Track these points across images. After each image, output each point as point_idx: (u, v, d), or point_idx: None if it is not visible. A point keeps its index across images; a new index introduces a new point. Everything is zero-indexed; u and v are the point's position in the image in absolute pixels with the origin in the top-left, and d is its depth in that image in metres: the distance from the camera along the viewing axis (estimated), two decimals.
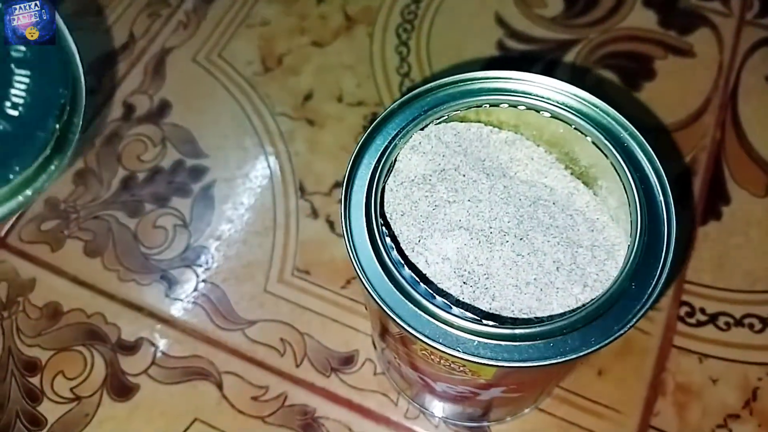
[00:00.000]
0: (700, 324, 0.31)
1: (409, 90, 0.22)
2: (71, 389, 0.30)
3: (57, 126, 0.18)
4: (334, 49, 0.39)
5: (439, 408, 0.28)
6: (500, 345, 0.18)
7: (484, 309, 0.20)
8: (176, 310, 0.32)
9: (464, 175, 0.23)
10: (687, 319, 0.31)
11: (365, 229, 0.19)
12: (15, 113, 0.17)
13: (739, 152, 0.35)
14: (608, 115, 0.21)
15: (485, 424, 0.29)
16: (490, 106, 0.22)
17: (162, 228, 0.34)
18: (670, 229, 0.19)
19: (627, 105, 0.36)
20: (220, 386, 0.30)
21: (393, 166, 0.22)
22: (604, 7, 0.40)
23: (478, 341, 0.18)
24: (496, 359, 0.17)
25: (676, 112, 0.36)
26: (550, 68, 0.37)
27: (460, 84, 0.22)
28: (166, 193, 0.35)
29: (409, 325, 0.18)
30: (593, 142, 0.21)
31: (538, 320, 0.19)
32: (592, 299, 0.19)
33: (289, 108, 0.37)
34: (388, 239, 0.20)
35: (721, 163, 0.34)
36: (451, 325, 0.18)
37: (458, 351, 0.17)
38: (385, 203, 0.22)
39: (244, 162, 0.36)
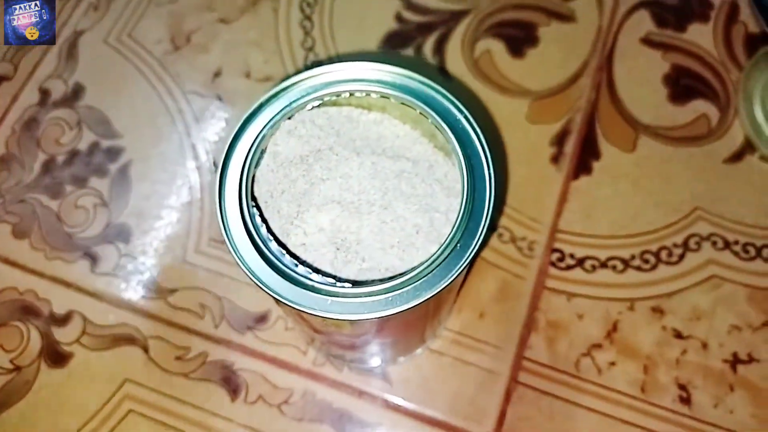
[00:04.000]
0: (569, 267, 0.35)
1: (280, 82, 0.25)
2: (11, 360, 0.33)
3: None
4: (241, 25, 0.41)
5: (341, 354, 0.32)
6: (350, 302, 0.21)
7: (355, 270, 0.24)
8: (101, 284, 0.35)
9: (337, 155, 0.26)
10: (558, 264, 0.35)
11: (238, 210, 0.23)
12: None
13: (612, 111, 0.39)
14: (447, 98, 0.24)
15: (382, 365, 0.33)
16: (350, 95, 0.25)
17: (83, 208, 0.36)
18: (490, 198, 0.22)
19: (511, 72, 0.39)
20: (146, 349, 0.34)
21: (264, 153, 0.24)
22: None
23: (332, 300, 0.21)
24: (344, 313, 0.21)
25: (557, 76, 0.39)
26: (443, 38, 0.40)
27: (321, 75, 0.25)
28: (85, 174, 0.37)
29: (276, 293, 0.21)
30: (433, 124, 0.24)
31: (389, 279, 0.23)
32: (422, 261, 0.22)
33: (199, 86, 0.40)
34: (258, 218, 0.23)
35: (594, 123, 0.38)
36: (311, 289, 0.21)
37: (314, 309, 0.21)
38: (266, 183, 0.25)
39: (158, 141, 0.38)
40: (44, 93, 0.39)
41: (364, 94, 0.25)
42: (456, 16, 0.41)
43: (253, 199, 0.24)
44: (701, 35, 0.40)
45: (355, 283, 0.23)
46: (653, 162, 0.37)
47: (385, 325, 0.24)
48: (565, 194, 0.37)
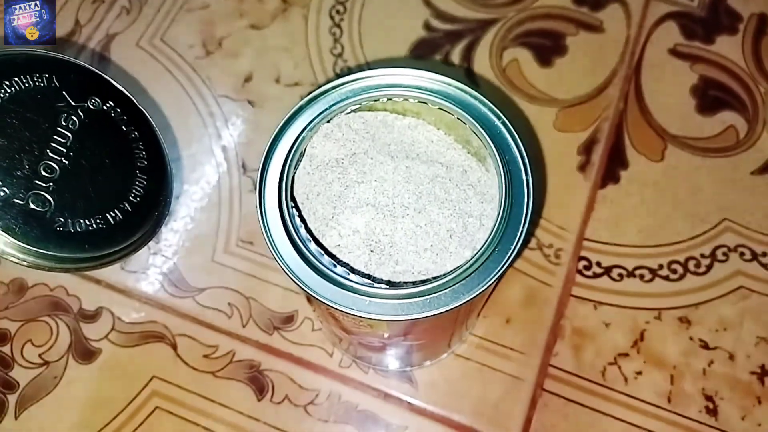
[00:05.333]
0: (596, 276, 0.35)
1: (319, 86, 0.25)
2: (39, 355, 0.34)
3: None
4: (272, 31, 0.42)
5: (367, 357, 0.33)
6: (387, 303, 0.21)
7: (389, 272, 0.24)
8: (131, 282, 0.35)
9: (372, 158, 0.26)
10: (585, 272, 0.35)
11: (278, 210, 0.23)
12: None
13: (640, 121, 0.39)
14: (484, 104, 0.24)
15: (408, 369, 0.33)
16: (387, 100, 0.25)
17: None
18: (528, 205, 0.23)
19: (539, 81, 0.39)
20: (174, 347, 0.34)
21: (303, 155, 0.25)
22: None
23: (370, 300, 0.21)
24: (381, 314, 0.21)
25: (584, 85, 0.40)
26: (471, 46, 0.41)
27: (359, 80, 0.25)
28: None
29: (315, 292, 0.22)
30: (470, 129, 0.24)
31: (424, 282, 0.23)
32: (460, 264, 0.22)
33: (230, 90, 0.40)
34: (297, 219, 0.23)
35: (622, 132, 0.38)
36: (349, 289, 0.22)
37: (353, 309, 0.21)
38: (302, 185, 0.25)
39: (188, 143, 0.39)
40: None
41: (401, 99, 0.25)
42: (484, 25, 0.41)
43: (293, 199, 0.24)
44: (730, 47, 0.40)
45: (391, 285, 0.23)
46: (681, 172, 0.37)
47: (417, 328, 0.24)
48: (592, 203, 0.37)
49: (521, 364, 0.33)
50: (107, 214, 0.24)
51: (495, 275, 0.21)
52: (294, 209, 0.24)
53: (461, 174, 0.27)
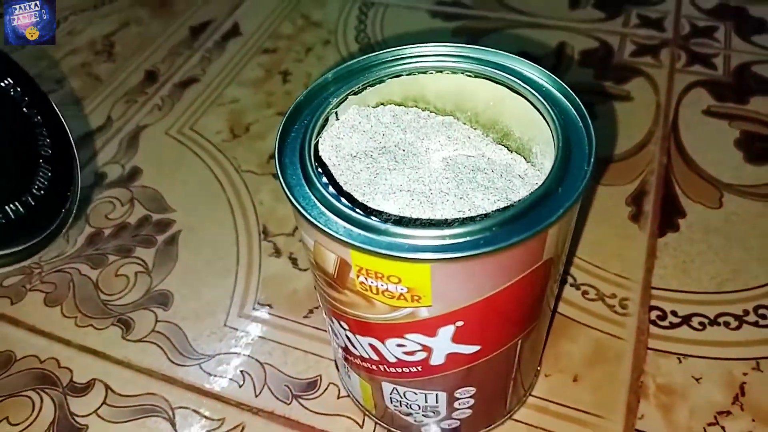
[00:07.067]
0: (673, 326, 0.30)
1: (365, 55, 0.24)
2: None
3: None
4: None
5: (406, 425, 0.26)
6: (431, 245, 0.17)
7: None
8: (131, 351, 0.31)
9: (404, 150, 0.24)
10: (659, 322, 0.30)
11: (299, 166, 0.20)
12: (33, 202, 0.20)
13: (688, 173, 0.36)
14: (526, 65, 0.23)
15: None
16: (419, 73, 0.24)
17: (124, 276, 0.34)
18: (590, 137, 0.20)
19: None
20: (172, 422, 0.28)
21: (327, 123, 0.23)
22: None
23: (409, 244, 0.17)
24: (428, 252, 0.17)
25: (621, 145, 0.38)
26: None
27: (391, 52, 0.24)
28: (131, 245, 0.35)
29: (341, 237, 0.18)
30: (508, 87, 0.22)
31: (466, 220, 0.19)
32: (517, 200, 0.19)
33: (255, 166, 0.39)
34: (321, 173, 0.20)
35: (672, 183, 0.36)
36: (385, 233, 0.18)
37: (391, 251, 0.17)
38: (327, 175, 0.23)
39: (209, 213, 0.37)
40: (100, 176, 0.39)
41: (450, 71, 0.24)
42: None
43: (317, 159, 0.21)
44: (765, 105, 0.39)
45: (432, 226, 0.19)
46: (744, 218, 0.34)
47: (477, 310, 0.19)
48: (653, 251, 0.33)
49: (600, 430, 0.27)
50: (7, 207, 0.20)
51: (561, 209, 0.18)
52: (318, 168, 0.21)
53: (505, 166, 0.24)
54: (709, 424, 0.26)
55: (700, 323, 0.30)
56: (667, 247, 0.33)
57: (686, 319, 0.30)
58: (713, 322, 0.30)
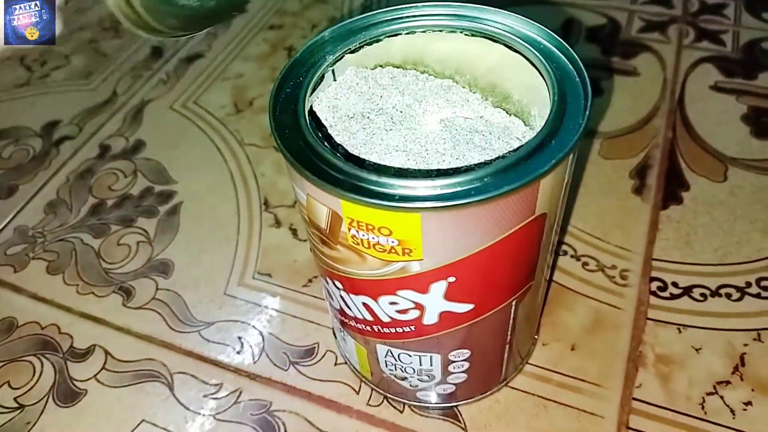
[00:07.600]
0: (674, 297, 0.29)
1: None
2: (15, 398, 0.29)
3: None
4: None
5: (401, 391, 0.26)
6: (422, 194, 0.17)
7: None
8: (131, 318, 0.31)
9: (401, 111, 0.24)
10: (660, 293, 0.30)
11: (293, 119, 0.20)
12: None
13: (693, 147, 0.36)
14: (526, 24, 0.22)
15: (454, 404, 0.27)
16: (417, 32, 0.23)
17: (125, 245, 0.34)
18: (586, 91, 0.19)
19: None
20: (170, 386, 0.28)
21: (323, 79, 0.22)
22: None
23: (400, 194, 0.17)
24: (419, 201, 0.17)
25: (626, 119, 0.37)
26: None
27: (389, 12, 0.24)
28: (133, 215, 0.35)
29: (331, 186, 0.18)
30: (506, 45, 0.22)
31: (457, 170, 0.19)
32: (510, 150, 0.19)
33: (258, 139, 0.39)
34: (314, 126, 0.20)
35: (676, 157, 0.35)
36: (376, 183, 0.18)
37: (382, 200, 0.17)
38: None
39: (211, 185, 0.37)
40: (104, 148, 0.40)
41: (433, 30, 0.23)
42: None
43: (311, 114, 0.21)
44: None
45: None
46: (748, 191, 0.33)
47: (467, 265, 0.19)
48: (655, 223, 0.32)
49: (598, 399, 0.26)
50: None
51: (554, 159, 0.17)
52: (313, 122, 0.21)
53: (503, 129, 0.24)
54: (708, 394, 0.26)
55: (702, 294, 0.29)
56: (670, 220, 0.32)
57: (687, 290, 0.30)
58: (714, 293, 0.29)
